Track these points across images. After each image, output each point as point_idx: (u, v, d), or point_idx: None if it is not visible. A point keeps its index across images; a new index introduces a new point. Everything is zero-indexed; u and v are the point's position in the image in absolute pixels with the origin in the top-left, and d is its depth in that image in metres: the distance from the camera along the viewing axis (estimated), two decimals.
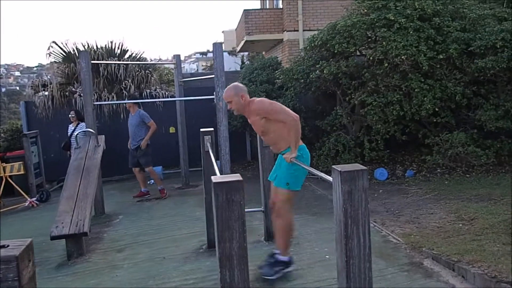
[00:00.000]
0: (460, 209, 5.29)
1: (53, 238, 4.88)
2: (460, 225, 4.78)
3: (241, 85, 4.01)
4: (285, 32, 12.92)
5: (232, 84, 3.98)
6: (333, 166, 2.40)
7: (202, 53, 49.95)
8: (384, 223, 5.25)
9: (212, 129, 4.80)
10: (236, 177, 2.29)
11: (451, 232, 4.57)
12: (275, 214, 4.04)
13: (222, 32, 42.59)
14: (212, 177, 2.32)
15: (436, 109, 6.97)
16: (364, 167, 2.37)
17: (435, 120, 7.30)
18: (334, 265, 4.22)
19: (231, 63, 24.49)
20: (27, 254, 1.29)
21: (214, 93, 6.65)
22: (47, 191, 8.62)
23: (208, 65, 40.21)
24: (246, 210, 5.21)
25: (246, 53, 25.08)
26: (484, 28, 6.80)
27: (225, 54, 26.12)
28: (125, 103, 8.36)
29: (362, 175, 2.34)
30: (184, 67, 47.50)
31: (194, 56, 49.69)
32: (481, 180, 6.58)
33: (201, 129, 4.72)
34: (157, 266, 4.51)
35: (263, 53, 18.57)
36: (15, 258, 1.23)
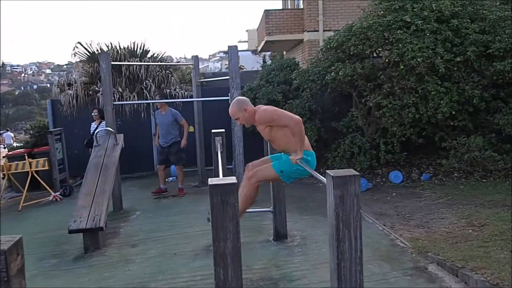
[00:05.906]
0: (472, 215, 5.25)
1: (71, 231, 5.09)
2: (470, 231, 4.76)
3: (242, 98, 4.12)
4: (305, 32, 12.92)
5: (234, 100, 4.07)
6: (327, 171, 2.47)
7: (226, 52, 50.07)
8: (393, 226, 5.25)
9: (223, 130, 4.90)
10: (231, 179, 2.38)
11: (460, 238, 4.56)
12: (246, 180, 4.02)
13: (246, 31, 42.61)
14: (209, 179, 2.42)
15: (453, 112, 6.89)
16: (357, 173, 2.43)
17: (452, 124, 7.21)
18: None
19: (254, 63, 24.54)
20: (16, 249, 1.43)
21: (229, 94, 6.76)
22: (70, 186, 8.91)
23: None
24: (255, 210, 5.28)
25: (268, 53, 25.10)
26: (504, 30, 6.68)
27: (249, 53, 26.22)
28: (143, 103, 8.55)
29: (354, 181, 2.40)
30: (208, 65, 47.87)
31: (218, 55, 49.94)
32: (498, 185, 6.49)
33: (213, 130, 4.82)
34: (167, 262, 4.64)
35: (284, 52, 18.58)
36: (3, 252, 1.37)
